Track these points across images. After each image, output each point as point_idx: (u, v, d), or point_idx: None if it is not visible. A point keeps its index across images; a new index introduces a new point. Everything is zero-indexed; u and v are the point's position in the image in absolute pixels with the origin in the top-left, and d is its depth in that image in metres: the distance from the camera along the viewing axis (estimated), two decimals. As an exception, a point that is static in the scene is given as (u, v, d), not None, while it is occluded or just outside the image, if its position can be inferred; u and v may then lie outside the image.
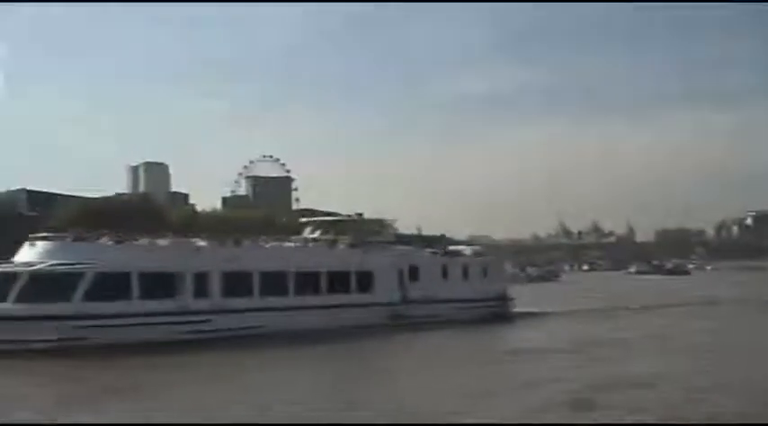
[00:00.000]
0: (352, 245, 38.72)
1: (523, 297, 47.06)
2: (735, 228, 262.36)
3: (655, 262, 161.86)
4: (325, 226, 42.20)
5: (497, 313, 41.58)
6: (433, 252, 43.49)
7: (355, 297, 36.58)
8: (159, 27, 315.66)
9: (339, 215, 48.26)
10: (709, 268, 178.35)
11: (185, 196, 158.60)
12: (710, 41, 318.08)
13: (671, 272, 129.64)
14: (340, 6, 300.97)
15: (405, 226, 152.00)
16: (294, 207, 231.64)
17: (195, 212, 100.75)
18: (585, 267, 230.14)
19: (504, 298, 43.79)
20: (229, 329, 31.27)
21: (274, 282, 34.15)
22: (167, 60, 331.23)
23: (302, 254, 37.10)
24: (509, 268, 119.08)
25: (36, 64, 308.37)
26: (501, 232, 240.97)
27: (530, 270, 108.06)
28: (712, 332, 34.09)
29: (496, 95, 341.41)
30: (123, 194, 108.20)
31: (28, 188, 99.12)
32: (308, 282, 35.38)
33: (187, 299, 31.69)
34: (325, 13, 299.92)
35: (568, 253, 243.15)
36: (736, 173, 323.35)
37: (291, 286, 34.78)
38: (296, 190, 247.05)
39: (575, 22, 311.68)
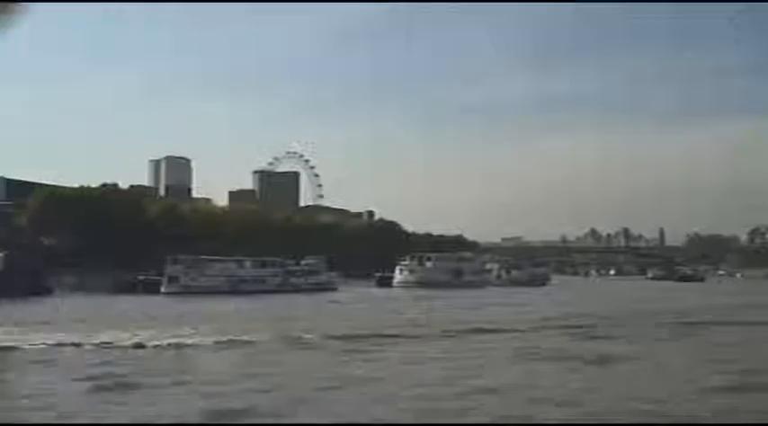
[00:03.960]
0: None
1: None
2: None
3: (677, 268, 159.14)
4: None
5: None
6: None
7: None
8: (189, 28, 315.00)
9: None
10: (739, 275, 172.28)
11: (188, 190, 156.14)
12: (745, 47, 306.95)
13: (683, 279, 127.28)
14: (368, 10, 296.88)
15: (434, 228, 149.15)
16: (315, 203, 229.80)
17: (173, 206, 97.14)
18: (612, 271, 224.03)
19: None
20: None
21: None
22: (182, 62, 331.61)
23: None
24: (495, 269, 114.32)
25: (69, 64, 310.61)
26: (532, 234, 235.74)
27: (514, 272, 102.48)
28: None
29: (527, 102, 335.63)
30: (106, 184, 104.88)
31: (7, 176, 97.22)
32: None
33: None
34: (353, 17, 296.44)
35: (596, 257, 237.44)
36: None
37: None
38: (320, 186, 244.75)
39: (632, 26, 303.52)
